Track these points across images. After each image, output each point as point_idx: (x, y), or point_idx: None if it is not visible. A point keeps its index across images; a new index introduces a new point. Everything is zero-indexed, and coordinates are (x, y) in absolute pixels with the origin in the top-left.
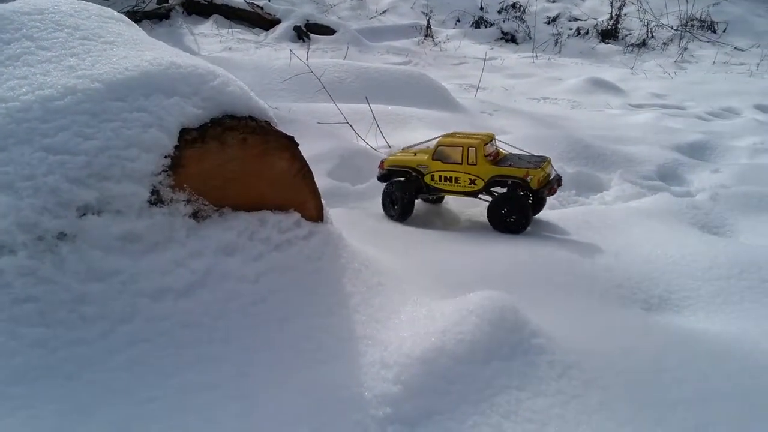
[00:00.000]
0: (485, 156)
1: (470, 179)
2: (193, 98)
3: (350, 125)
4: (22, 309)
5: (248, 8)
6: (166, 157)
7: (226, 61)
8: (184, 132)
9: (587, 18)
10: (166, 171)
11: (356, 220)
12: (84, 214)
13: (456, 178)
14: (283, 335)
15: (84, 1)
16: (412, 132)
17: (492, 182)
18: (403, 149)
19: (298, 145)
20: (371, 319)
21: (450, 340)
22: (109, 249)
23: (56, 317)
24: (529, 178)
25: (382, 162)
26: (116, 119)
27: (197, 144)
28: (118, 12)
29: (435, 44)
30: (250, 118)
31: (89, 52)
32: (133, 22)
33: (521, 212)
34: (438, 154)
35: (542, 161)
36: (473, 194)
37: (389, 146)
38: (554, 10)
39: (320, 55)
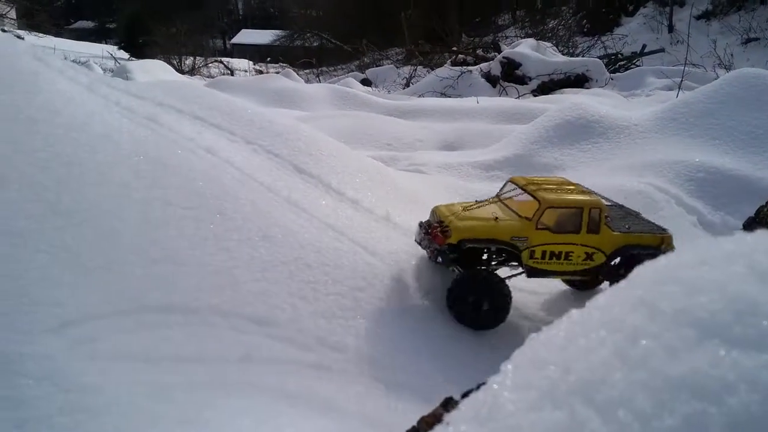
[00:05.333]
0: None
1: (587, 253)
2: None
3: None
4: None
5: None
6: None
7: None
8: None
9: None
10: None
11: None
12: None
13: (568, 254)
14: None
15: None
16: None
17: (615, 255)
18: (464, 207)
19: None
20: None
21: None
22: None
23: None
24: (663, 248)
25: (445, 231)
26: None
27: None
28: None
29: None
30: None
31: None
32: None
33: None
34: (546, 218)
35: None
36: (587, 274)
37: None
38: None
39: None
